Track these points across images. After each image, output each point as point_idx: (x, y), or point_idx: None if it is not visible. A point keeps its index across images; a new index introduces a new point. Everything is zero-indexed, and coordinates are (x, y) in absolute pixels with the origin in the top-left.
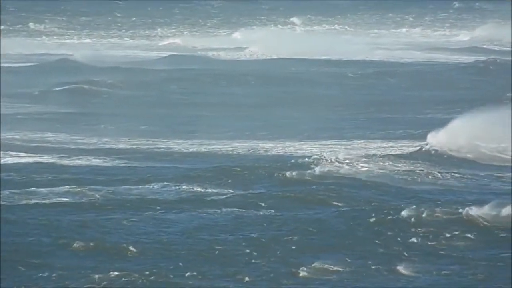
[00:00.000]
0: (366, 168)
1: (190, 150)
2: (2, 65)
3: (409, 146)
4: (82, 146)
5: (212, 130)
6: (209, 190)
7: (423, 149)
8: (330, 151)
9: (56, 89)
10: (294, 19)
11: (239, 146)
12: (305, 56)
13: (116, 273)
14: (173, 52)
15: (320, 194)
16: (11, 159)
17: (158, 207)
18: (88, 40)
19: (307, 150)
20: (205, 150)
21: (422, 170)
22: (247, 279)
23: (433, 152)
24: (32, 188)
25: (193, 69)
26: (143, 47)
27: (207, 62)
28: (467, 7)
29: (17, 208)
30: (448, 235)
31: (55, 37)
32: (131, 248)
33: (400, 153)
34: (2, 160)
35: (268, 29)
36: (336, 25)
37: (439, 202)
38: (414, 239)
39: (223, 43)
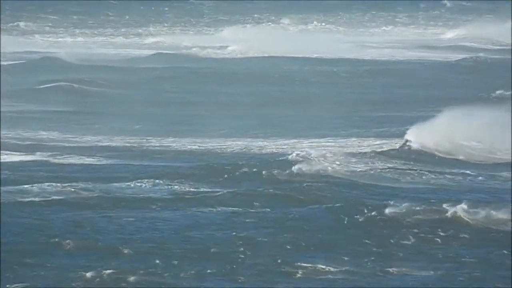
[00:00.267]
0: (355, 167)
1: (183, 148)
2: None
3: (395, 144)
4: (74, 144)
5: (206, 129)
6: (202, 188)
7: (409, 148)
8: (322, 150)
9: (41, 86)
10: (286, 18)
11: (234, 144)
12: (297, 54)
13: (110, 271)
14: (159, 50)
15: (311, 193)
16: (3, 157)
17: (151, 206)
18: (80, 39)
19: (299, 148)
20: (199, 148)
21: (414, 169)
22: (241, 278)
23: (417, 150)
24: (26, 186)
25: (182, 67)
26: (131, 46)
27: (195, 61)
28: (459, 5)
29: (10, 207)
30: (440, 234)
31: (46, 35)
32: (124, 246)
33: (385, 150)
34: None
35: (259, 28)
36: (326, 24)
37: (431, 201)
38: (406, 238)
39: (212, 41)
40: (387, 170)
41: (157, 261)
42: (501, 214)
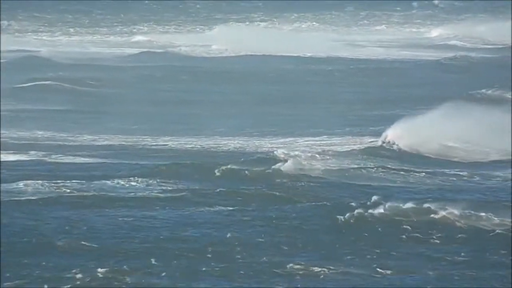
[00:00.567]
0: (347, 166)
1: (179, 147)
2: None
3: (372, 143)
4: (67, 143)
5: (201, 127)
6: (197, 187)
7: (399, 147)
8: (316, 148)
9: (26, 85)
10: (279, 17)
11: (229, 143)
12: (289, 53)
13: (104, 269)
14: (147, 49)
15: (304, 193)
16: None
17: (146, 205)
18: (64, 38)
19: (294, 147)
20: (195, 147)
21: (404, 169)
22: (237, 278)
23: (394, 148)
24: (21, 185)
25: (172, 66)
26: (119, 44)
27: (184, 59)
28: (451, 5)
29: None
30: (436, 234)
31: (39, 34)
32: (119, 246)
33: (378, 149)
34: None
35: (251, 27)
36: (320, 23)
37: (427, 201)
38: (401, 239)
39: (202, 40)
40: (379, 169)
41: (153, 261)
42: (498, 214)
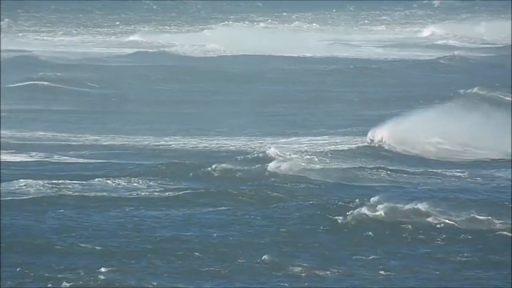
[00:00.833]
0: (344, 165)
1: (179, 147)
2: None
3: (363, 142)
4: (68, 143)
5: (199, 127)
6: (194, 186)
7: (390, 147)
8: (313, 148)
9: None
10: (275, 17)
11: (229, 144)
12: (283, 53)
13: (106, 269)
14: (139, 48)
15: (299, 193)
16: None
17: (144, 204)
18: (64, 38)
19: (291, 147)
20: (193, 147)
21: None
22: (231, 278)
23: (384, 148)
24: (22, 184)
25: (165, 66)
26: (113, 44)
27: (178, 59)
28: (449, 4)
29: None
30: (435, 235)
31: (30, 34)
32: (119, 246)
33: (359, 148)
34: None
35: (246, 27)
36: (318, 24)
37: (423, 200)
38: (402, 238)
39: (196, 40)
40: (380, 169)
41: (155, 262)
42: (499, 215)
